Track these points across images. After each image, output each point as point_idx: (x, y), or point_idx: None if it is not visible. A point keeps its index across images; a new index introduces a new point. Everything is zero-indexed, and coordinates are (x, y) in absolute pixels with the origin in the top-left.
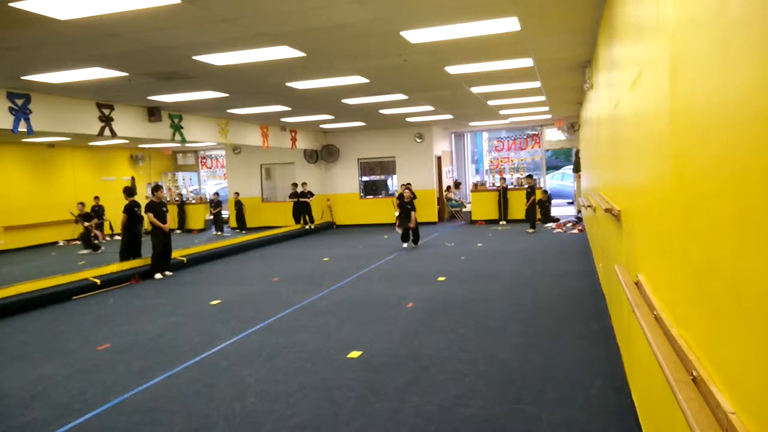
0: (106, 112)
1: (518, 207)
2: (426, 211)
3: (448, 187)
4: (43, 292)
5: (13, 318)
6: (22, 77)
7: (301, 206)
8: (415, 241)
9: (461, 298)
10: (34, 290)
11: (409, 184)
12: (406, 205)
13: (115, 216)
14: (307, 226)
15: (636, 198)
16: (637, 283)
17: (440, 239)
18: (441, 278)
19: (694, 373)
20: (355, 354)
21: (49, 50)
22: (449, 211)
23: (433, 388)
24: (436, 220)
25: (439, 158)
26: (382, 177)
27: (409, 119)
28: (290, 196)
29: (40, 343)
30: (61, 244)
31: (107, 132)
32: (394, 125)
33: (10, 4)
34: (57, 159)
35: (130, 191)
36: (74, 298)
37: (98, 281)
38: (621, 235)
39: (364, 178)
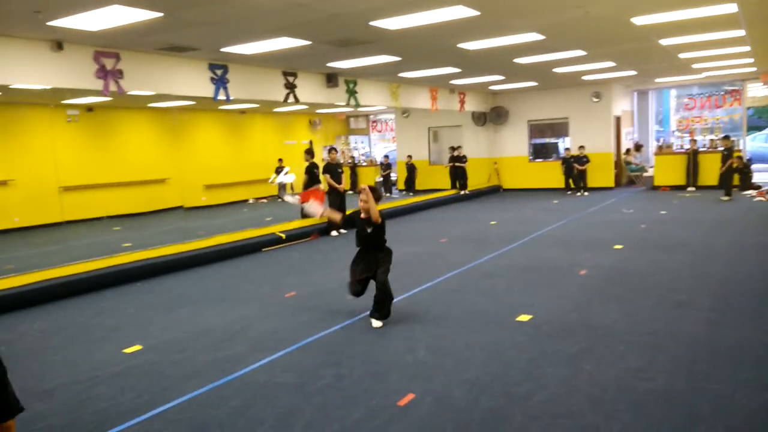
0: (291, 79)
1: (710, 172)
2: (602, 176)
3: (628, 150)
4: (238, 244)
5: (214, 266)
6: (221, 49)
7: (456, 171)
8: (381, 309)
9: (641, 268)
10: (230, 242)
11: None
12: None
13: (295, 177)
14: (461, 192)
15: None
16: None
17: (617, 206)
18: (617, 246)
19: None
20: (524, 318)
21: (245, 23)
22: (627, 175)
23: (609, 358)
24: (612, 185)
25: (618, 118)
26: (553, 139)
27: (585, 77)
28: (449, 160)
29: (236, 288)
30: (250, 201)
31: (291, 98)
32: (569, 84)
33: None
34: (247, 124)
35: (311, 153)
36: (263, 250)
37: (284, 236)
38: None
39: (534, 141)
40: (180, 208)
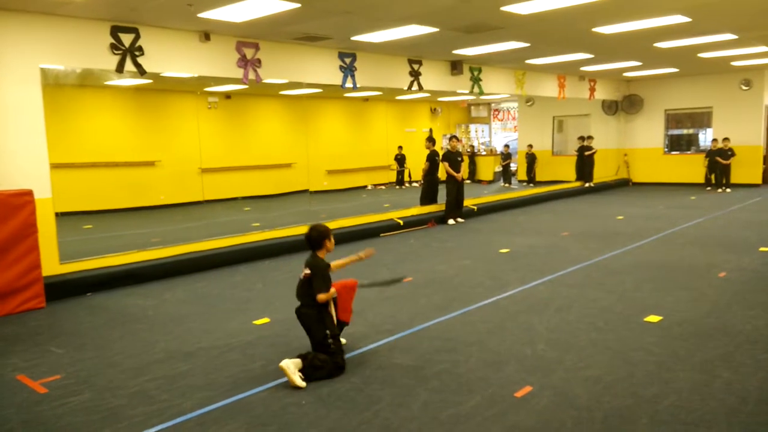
0: (416, 67)
1: None
2: (747, 172)
3: None
4: (358, 228)
5: (335, 248)
6: (351, 38)
7: (584, 161)
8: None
9: None
10: (352, 225)
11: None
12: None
13: (413, 164)
14: (586, 184)
15: None
16: None
17: (764, 204)
18: (764, 249)
19: None
20: (654, 318)
21: (377, 11)
22: None
23: (749, 366)
24: (759, 182)
25: None
26: (693, 131)
27: (734, 63)
28: (578, 150)
29: (356, 270)
30: (369, 187)
31: (415, 86)
32: (715, 70)
33: None
34: (369, 112)
35: (432, 140)
36: (381, 235)
37: (401, 222)
38: None
39: (671, 132)
40: (305, 191)
